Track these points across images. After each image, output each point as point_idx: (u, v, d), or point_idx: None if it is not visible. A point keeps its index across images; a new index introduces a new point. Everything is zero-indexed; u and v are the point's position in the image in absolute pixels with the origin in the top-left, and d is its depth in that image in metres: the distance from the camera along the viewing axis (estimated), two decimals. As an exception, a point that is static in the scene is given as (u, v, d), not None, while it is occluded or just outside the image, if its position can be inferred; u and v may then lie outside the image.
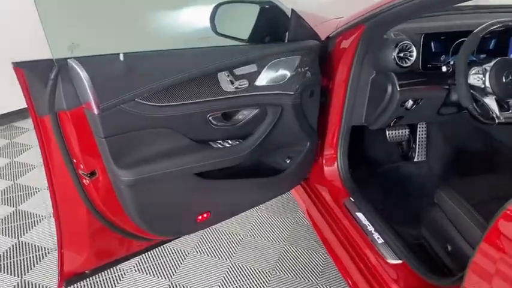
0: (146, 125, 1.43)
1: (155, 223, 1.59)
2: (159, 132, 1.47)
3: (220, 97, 1.57)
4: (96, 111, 1.30)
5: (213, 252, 2.41)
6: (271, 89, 1.69)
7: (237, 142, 1.71)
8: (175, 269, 2.28)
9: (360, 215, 1.93)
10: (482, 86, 1.57)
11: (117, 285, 2.16)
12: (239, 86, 1.60)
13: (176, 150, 1.53)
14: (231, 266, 2.32)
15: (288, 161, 1.96)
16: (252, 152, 1.72)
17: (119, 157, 1.39)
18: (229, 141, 1.70)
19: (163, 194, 1.54)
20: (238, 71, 1.58)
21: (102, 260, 1.75)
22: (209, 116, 1.59)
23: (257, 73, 1.63)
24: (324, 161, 2.14)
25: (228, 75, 1.56)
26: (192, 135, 1.58)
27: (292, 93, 1.74)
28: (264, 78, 1.65)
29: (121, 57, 1.31)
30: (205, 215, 1.73)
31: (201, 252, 2.41)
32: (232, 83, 1.57)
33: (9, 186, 2.95)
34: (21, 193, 2.87)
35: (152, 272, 2.25)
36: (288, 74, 1.70)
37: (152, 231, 1.61)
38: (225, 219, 1.86)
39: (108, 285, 2.15)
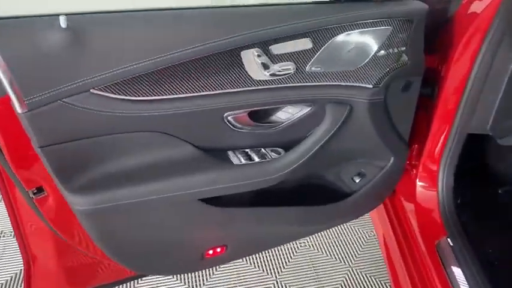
0: (114, 128, 0.91)
1: (136, 260, 1.11)
2: (139, 138, 0.94)
3: (245, 88, 0.98)
4: (19, 109, 0.80)
5: (259, 263, 1.90)
6: (335, 79, 1.05)
7: (275, 154, 1.12)
8: (206, 279, 1.83)
9: (457, 272, 1.27)
10: None
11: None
12: (278, 72, 0.99)
13: (169, 164, 1.00)
14: (275, 285, 1.81)
15: (357, 180, 1.32)
16: (299, 169, 1.12)
17: (68, 175, 0.90)
18: (263, 151, 1.12)
19: (146, 227, 1.04)
20: (277, 48, 0.96)
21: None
22: (227, 116, 1.01)
23: (312, 52, 0.99)
24: (417, 177, 1.45)
25: (260, 55, 0.95)
26: (198, 142, 1.03)
27: (371, 86, 1.08)
28: (323, 61, 1.02)
29: (62, 21, 0.78)
30: (218, 250, 1.20)
31: (246, 260, 1.91)
32: (266, 67, 0.97)
33: None
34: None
35: (181, 278, 1.83)
36: (368, 55, 1.04)
37: (132, 268, 1.13)
38: (252, 254, 1.32)
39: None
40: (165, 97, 0.93)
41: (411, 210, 1.49)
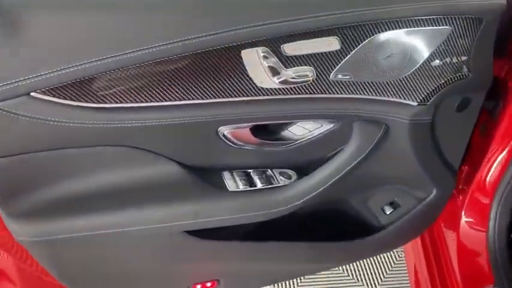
0: (68, 141, 0.70)
1: None
2: (104, 153, 0.74)
3: (246, 98, 0.75)
4: None
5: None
6: (367, 91, 0.81)
7: (284, 177, 0.89)
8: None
9: None
10: None
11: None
12: (292, 80, 0.75)
13: (143, 188, 0.79)
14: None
15: (388, 211, 1.07)
16: (317, 198, 0.89)
17: (6, 198, 0.71)
18: (269, 173, 0.89)
19: (114, 260, 0.83)
20: (291, 48, 0.72)
21: None
22: (221, 130, 0.79)
23: (339, 55, 0.75)
24: (464, 209, 1.18)
25: (267, 56, 0.71)
26: (184, 159, 0.81)
27: (416, 103, 0.82)
28: (353, 68, 0.77)
29: None
30: (208, 284, 0.99)
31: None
32: (275, 72, 0.73)
33: None
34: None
35: None
36: (415, 63, 0.78)
37: None
38: None
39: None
40: (142, 105, 0.71)
41: (452, 245, 1.22)
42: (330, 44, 0.74)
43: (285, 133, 0.89)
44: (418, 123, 0.86)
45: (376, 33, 0.74)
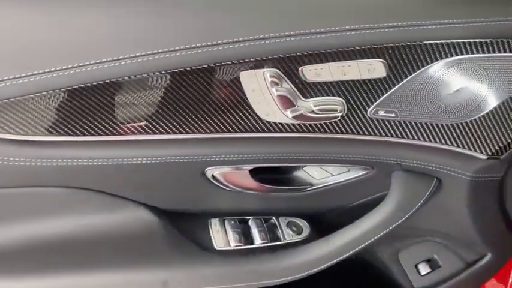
0: None
1: None
2: (42, 195, 0.53)
3: (246, 135, 0.53)
4: None
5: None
6: (418, 135, 0.57)
7: (293, 231, 0.68)
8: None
9: None
10: None
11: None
12: (314, 115, 0.52)
13: (85, 245, 0.59)
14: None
15: (424, 271, 0.84)
16: (338, 262, 0.67)
17: None
18: (274, 221, 0.68)
19: None
20: (313, 72, 0.49)
21: None
22: (213, 172, 0.57)
23: (384, 85, 0.52)
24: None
25: (277, 81, 0.49)
26: (157, 202, 0.60)
27: (485, 156, 0.59)
28: (402, 104, 0.55)
29: None
30: None
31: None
32: (288, 102, 0.51)
33: None
34: None
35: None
36: (490, 103, 0.53)
37: None
38: None
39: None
40: (91, 139, 0.50)
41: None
42: (373, 69, 0.51)
43: (299, 174, 0.67)
44: (485, 180, 0.62)
45: (441, 58, 0.50)
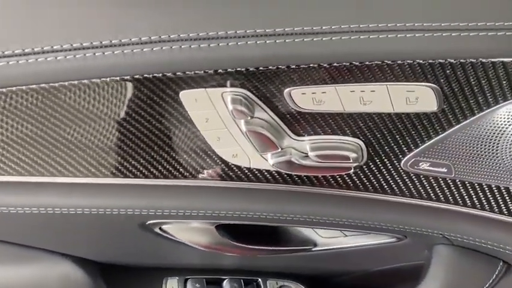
0: None
1: None
2: None
3: (205, 183, 0.33)
4: None
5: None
6: (476, 199, 0.34)
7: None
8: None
9: None
10: None
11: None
12: (309, 163, 0.31)
13: None
14: None
15: None
16: None
17: None
18: (259, 283, 0.49)
19: None
20: (307, 98, 0.29)
21: None
22: (161, 224, 0.38)
23: (432, 124, 0.30)
24: None
25: (249, 104, 0.28)
26: (97, 255, 0.42)
27: None
28: (456, 153, 0.33)
29: None
30: None
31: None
32: (267, 143, 0.30)
33: None
34: None
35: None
36: None
37: None
38: None
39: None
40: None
41: None
42: (415, 98, 0.29)
43: (296, 229, 0.46)
44: None
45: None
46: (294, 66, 0.27)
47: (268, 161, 0.33)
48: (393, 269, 0.50)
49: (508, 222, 0.37)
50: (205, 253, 0.44)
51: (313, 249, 0.46)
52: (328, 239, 0.46)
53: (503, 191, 0.35)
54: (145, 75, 0.28)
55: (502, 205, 0.36)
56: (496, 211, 0.37)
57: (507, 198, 0.36)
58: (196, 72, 0.27)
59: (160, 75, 0.27)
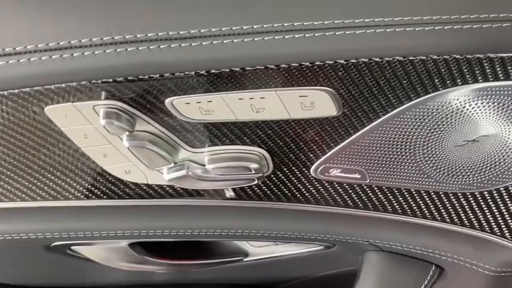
0: None
1: None
2: None
3: (100, 202, 0.30)
4: None
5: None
6: (400, 204, 0.34)
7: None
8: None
9: None
10: None
11: None
12: (209, 174, 0.29)
13: None
14: None
15: None
16: None
17: None
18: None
19: None
20: (193, 107, 0.25)
21: None
22: (70, 245, 0.36)
23: (335, 127, 0.29)
24: None
25: (126, 124, 0.25)
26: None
27: None
28: (368, 157, 0.31)
29: None
30: None
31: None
32: (158, 158, 0.27)
33: None
34: None
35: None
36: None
37: None
38: None
39: None
40: None
41: None
42: (309, 103, 0.27)
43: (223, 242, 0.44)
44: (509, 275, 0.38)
45: (451, 86, 0.26)
46: (167, 75, 0.25)
47: (164, 176, 0.30)
48: (331, 275, 0.48)
49: (434, 226, 0.35)
50: (130, 271, 0.42)
51: (245, 259, 0.44)
52: (259, 248, 0.44)
53: (424, 195, 0.33)
54: (4, 92, 0.25)
55: (425, 210, 0.34)
56: (419, 216, 0.34)
57: (429, 202, 0.33)
58: (57, 85, 0.24)
59: (16, 91, 0.24)
